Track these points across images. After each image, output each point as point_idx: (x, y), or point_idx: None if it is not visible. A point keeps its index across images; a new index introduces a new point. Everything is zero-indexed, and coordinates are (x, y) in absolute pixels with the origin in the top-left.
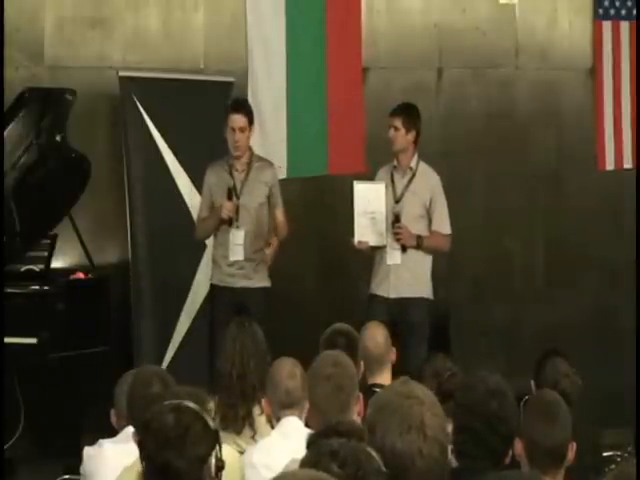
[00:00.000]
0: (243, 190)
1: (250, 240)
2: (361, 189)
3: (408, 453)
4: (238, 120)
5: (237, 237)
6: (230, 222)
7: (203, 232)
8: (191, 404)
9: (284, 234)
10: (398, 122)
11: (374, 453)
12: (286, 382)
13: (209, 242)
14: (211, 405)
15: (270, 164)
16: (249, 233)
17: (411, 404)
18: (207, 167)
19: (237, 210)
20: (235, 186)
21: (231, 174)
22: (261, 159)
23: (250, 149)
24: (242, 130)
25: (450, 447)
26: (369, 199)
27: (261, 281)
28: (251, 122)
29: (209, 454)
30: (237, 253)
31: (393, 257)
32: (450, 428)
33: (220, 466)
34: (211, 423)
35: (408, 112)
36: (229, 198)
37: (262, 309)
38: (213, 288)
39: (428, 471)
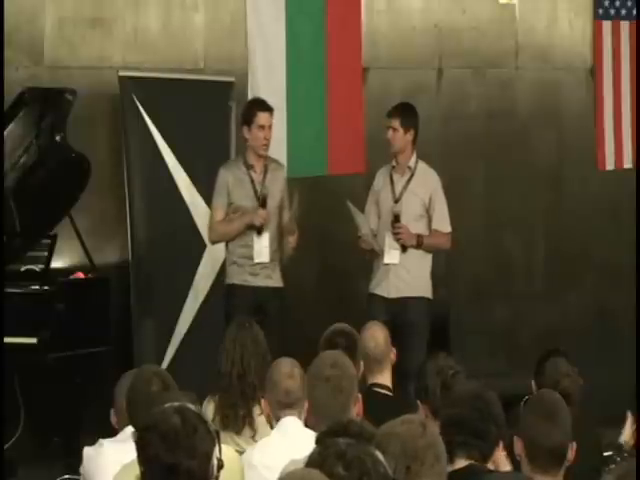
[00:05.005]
0: (263, 191)
1: (271, 241)
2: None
3: None
4: (268, 118)
5: (263, 239)
6: (260, 230)
7: (222, 235)
8: (191, 405)
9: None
10: (396, 123)
11: (381, 457)
12: (285, 382)
13: (209, 242)
14: (211, 406)
15: (281, 165)
16: (270, 234)
17: None
18: (220, 167)
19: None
20: (255, 189)
21: (249, 175)
22: (273, 160)
23: None
24: (270, 128)
25: None
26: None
27: (279, 281)
28: None
29: (212, 452)
30: (263, 255)
31: (391, 256)
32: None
33: (220, 465)
34: (210, 422)
35: (405, 112)
36: (263, 206)
37: (282, 308)
38: (233, 288)
39: None
